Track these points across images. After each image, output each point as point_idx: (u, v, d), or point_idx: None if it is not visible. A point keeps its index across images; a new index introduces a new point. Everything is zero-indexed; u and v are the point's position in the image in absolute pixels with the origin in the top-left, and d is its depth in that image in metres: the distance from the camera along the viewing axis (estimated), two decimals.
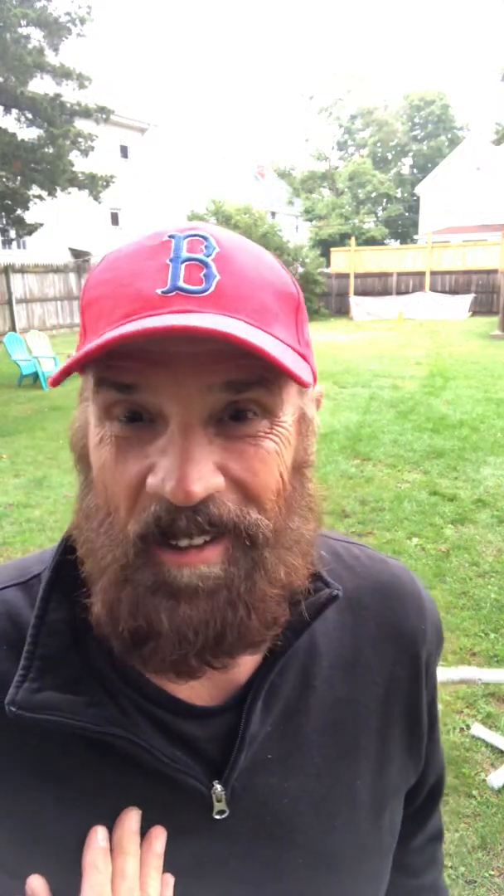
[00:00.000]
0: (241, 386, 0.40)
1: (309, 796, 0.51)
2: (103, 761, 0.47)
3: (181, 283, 0.39)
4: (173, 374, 0.38)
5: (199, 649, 0.41)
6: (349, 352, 13.29)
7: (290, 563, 0.44)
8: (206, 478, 0.38)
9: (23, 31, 12.83)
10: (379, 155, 42.13)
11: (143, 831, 0.47)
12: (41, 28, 13.15)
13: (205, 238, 0.41)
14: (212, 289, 0.39)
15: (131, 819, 0.46)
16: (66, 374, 0.39)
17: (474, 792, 2.21)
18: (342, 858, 0.52)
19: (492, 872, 1.94)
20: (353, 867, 0.53)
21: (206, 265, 0.40)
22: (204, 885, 0.48)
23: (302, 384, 0.41)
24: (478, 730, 2.48)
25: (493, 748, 2.41)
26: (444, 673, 2.11)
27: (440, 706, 2.22)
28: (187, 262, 0.40)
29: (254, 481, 0.41)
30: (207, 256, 0.40)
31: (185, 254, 0.40)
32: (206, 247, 0.41)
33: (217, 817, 0.48)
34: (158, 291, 0.39)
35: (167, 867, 0.47)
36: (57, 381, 0.40)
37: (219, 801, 0.47)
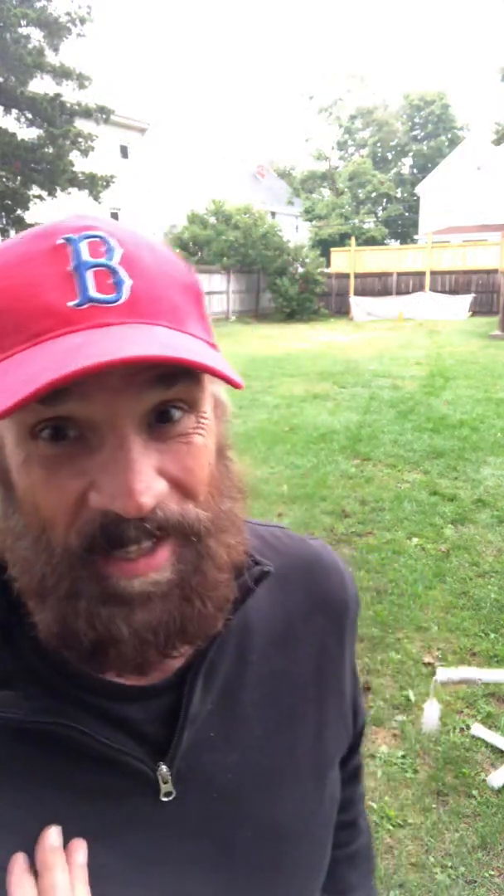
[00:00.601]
0: (171, 379, 0.39)
1: (252, 769, 0.52)
2: (46, 755, 0.46)
3: (93, 294, 0.37)
4: (112, 394, 0.37)
5: (162, 646, 0.42)
6: (349, 352, 13.29)
7: (229, 544, 0.45)
8: (153, 488, 0.38)
9: (23, 31, 12.84)
10: (379, 155, 42.13)
11: (93, 822, 0.47)
12: (41, 28, 13.17)
13: (103, 239, 0.39)
14: (125, 296, 0.38)
15: (51, 836, 0.45)
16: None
17: (474, 792, 2.22)
18: (289, 826, 0.54)
19: (492, 872, 1.94)
20: (300, 834, 0.55)
21: (113, 271, 0.38)
22: (157, 867, 0.48)
23: (236, 386, 0.40)
24: (478, 730, 2.48)
25: (493, 748, 2.41)
26: (444, 673, 2.11)
27: (440, 706, 2.22)
28: (94, 269, 0.38)
29: (190, 478, 0.41)
30: (111, 260, 0.39)
31: (87, 259, 0.38)
32: (107, 249, 0.39)
33: (164, 799, 0.48)
34: (70, 305, 0.37)
35: (119, 853, 0.47)
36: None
37: (165, 782, 0.48)
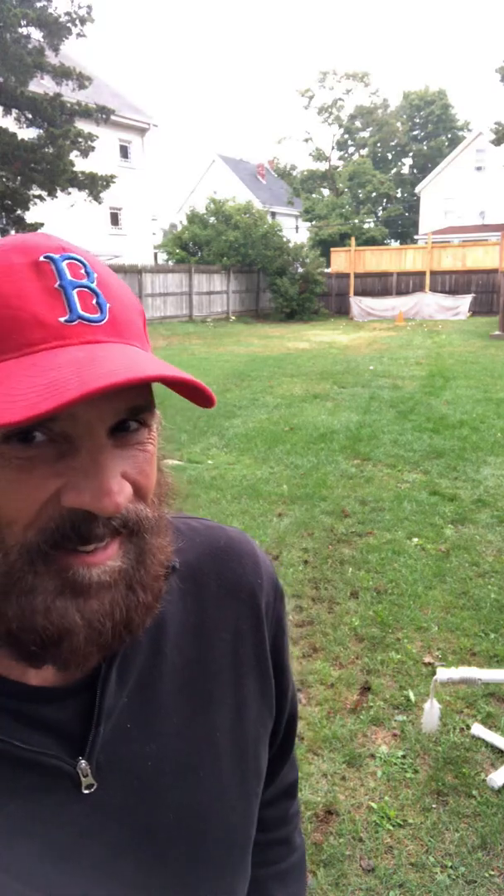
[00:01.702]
0: (138, 410, 0.44)
1: (171, 755, 0.54)
2: None
3: (81, 313, 0.41)
4: (95, 406, 0.41)
5: (111, 636, 0.44)
6: (349, 352, 13.29)
7: (163, 544, 0.49)
8: (124, 490, 0.42)
9: (23, 31, 12.83)
10: (379, 155, 42.11)
11: (17, 817, 0.48)
12: (41, 28, 13.16)
13: (81, 262, 0.43)
14: (107, 318, 0.42)
15: None
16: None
17: (474, 792, 2.22)
18: (209, 808, 0.56)
19: (492, 872, 1.94)
20: (221, 814, 0.57)
21: (95, 292, 0.42)
22: (84, 860, 0.49)
23: (210, 403, 0.45)
24: (478, 730, 2.48)
25: (493, 748, 2.41)
26: (444, 673, 2.11)
27: (440, 706, 2.22)
28: (78, 289, 0.41)
29: (144, 482, 0.45)
30: (92, 283, 0.42)
31: (70, 279, 0.41)
32: (86, 272, 0.43)
33: (86, 792, 0.49)
34: (62, 320, 0.40)
35: (46, 849, 0.48)
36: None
37: (85, 775, 0.49)
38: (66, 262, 0.42)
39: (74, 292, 0.41)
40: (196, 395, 0.45)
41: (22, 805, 0.48)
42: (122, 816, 0.51)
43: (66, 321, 0.40)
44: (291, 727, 0.72)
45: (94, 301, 0.42)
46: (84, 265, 0.43)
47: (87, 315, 0.41)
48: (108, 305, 0.42)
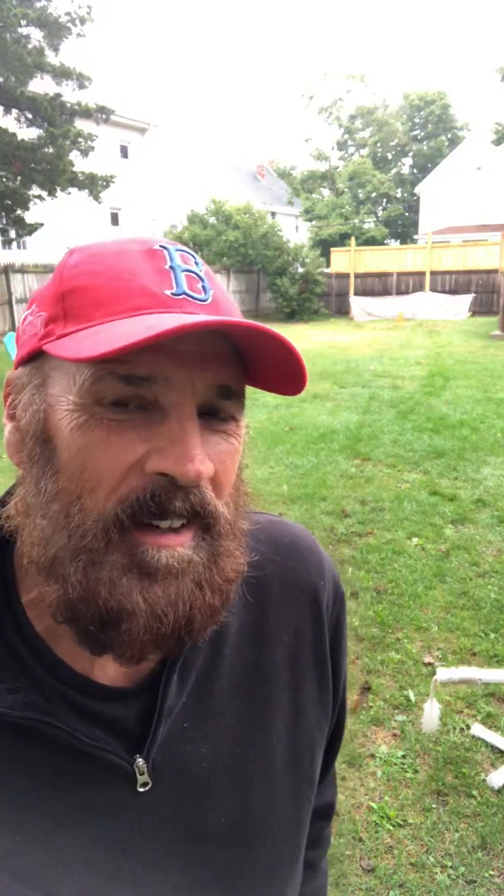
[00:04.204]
0: (227, 392, 0.45)
1: (226, 758, 0.54)
2: (27, 746, 0.47)
3: (187, 290, 0.43)
4: (188, 371, 0.42)
5: (170, 628, 0.43)
6: (349, 352, 13.29)
7: (236, 551, 0.48)
8: (206, 461, 0.43)
9: (23, 31, 12.83)
10: (379, 155, 42.07)
11: (73, 811, 0.48)
12: (41, 28, 13.16)
13: (191, 255, 0.46)
14: (210, 299, 0.45)
15: None
16: (106, 356, 0.38)
17: (474, 792, 2.22)
18: (261, 813, 0.55)
19: (492, 872, 1.94)
20: (273, 820, 0.56)
21: (200, 278, 0.45)
22: (135, 857, 0.50)
23: (302, 386, 0.47)
24: (478, 730, 2.48)
25: (493, 748, 2.41)
26: (444, 673, 2.11)
27: (440, 706, 2.22)
28: (186, 273, 0.44)
29: (224, 474, 0.46)
30: (199, 271, 0.46)
31: (181, 264, 0.45)
32: (195, 262, 0.46)
33: (141, 790, 0.50)
34: (168, 293, 0.43)
35: (99, 845, 0.48)
36: (105, 355, 0.38)
37: (141, 773, 0.50)
38: (178, 252, 0.46)
39: (183, 274, 0.44)
40: (288, 372, 0.46)
41: (77, 796, 0.48)
42: (173, 817, 0.51)
43: (172, 294, 0.43)
44: (337, 736, 0.70)
45: (199, 285, 0.45)
46: (194, 258, 0.47)
47: (192, 293, 0.44)
48: (212, 291, 0.45)
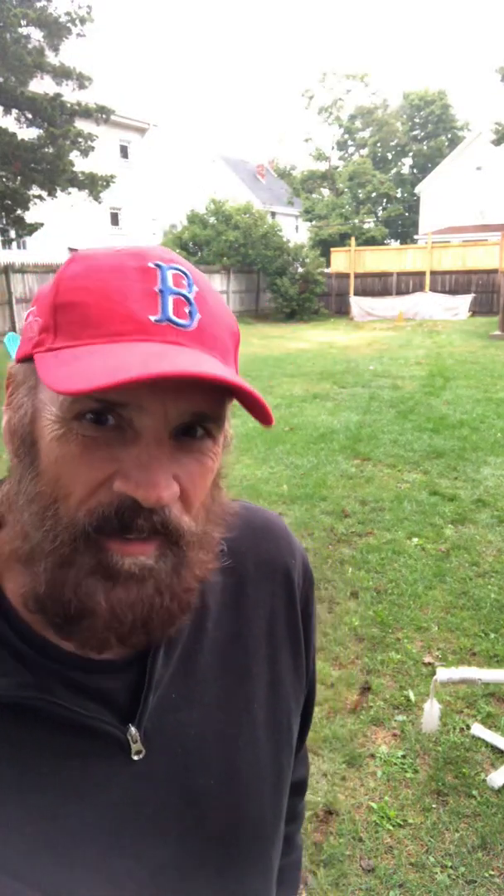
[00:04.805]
0: (203, 417, 0.46)
1: (212, 724, 0.58)
2: (25, 724, 0.50)
3: (171, 316, 0.45)
4: (161, 400, 0.44)
5: (128, 628, 0.46)
6: (349, 352, 13.29)
7: (202, 560, 0.51)
8: (171, 487, 0.45)
9: (23, 31, 12.82)
10: (379, 155, 42.04)
11: (72, 785, 0.51)
12: (41, 28, 13.16)
13: (185, 274, 0.47)
14: (194, 325, 0.45)
15: None
16: (91, 391, 0.40)
17: (474, 792, 2.22)
18: (247, 772, 0.59)
19: (492, 872, 1.94)
20: (257, 778, 0.60)
21: (189, 302, 0.46)
22: (134, 822, 0.53)
23: (268, 421, 0.47)
24: (478, 730, 2.48)
25: (493, 748, 2.41)
26: (444, 673, 2.11)
27: (440, 706, 2.22)
28: (174, 296, 0.45)
29: (193, 492, 0.47)
30: (190, 293, 0.46)
31: (171, 287, 0.45)
32: (187, 283, 0.46)
33: (135, 758, 0.53)
34: (152, 319, 0.44)
35: (99, 809, 0.51)
36: (76, 393, 0.41)
37: (134, 742, 0.53)
38: (172, 272, 0.46)
39: (171, 298, 0.45)
40: (256, 411, 0.47)
41: (76, 768, 0.51)
42: (167, 781, 0.54)
43: (155, 320, 0.44)
44: (308, 712, 0.74)
45: (186, 309, 0.45)
46: (187, 277, 0.47)
47: (175, 319, 0.45)
48: (198, 316, 0.46)
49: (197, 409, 0.45)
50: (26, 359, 0.48)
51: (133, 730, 0.52)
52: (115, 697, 0.53)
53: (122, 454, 0.44)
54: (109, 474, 0.44)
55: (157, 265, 0.46)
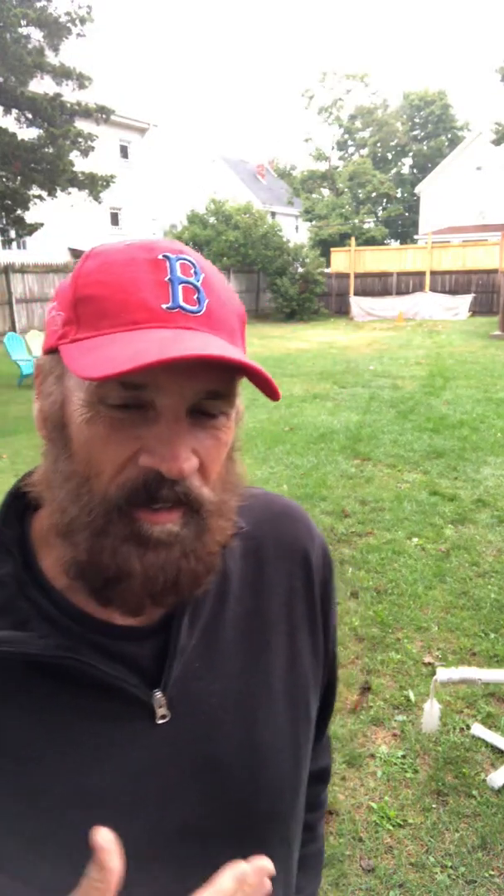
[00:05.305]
0: (216, 395, 0.50)
1: (233, 695, 0.61)
2: (59, 685, 0.54)
3: (182, 303, 0.48)
4: (177, 380, 0.47)
5: (160, 588, 0.50)
6: (349, 352, 13.29)
7: (222, 527, 0.55)
8: (191, 460, 0.49)
9: (23, 31, 12.81)
10: (379, 155, 42.02)
11: (101, 741, 0.54)
12: (41, 28, 13.14)
13: (192, 263, 0.50)
14: (203, 310, 0.49)
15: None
16: (114, 376, 0.44)
17: (474, 792, 2.22)
18: (266, 742, 0.62)
19: (492, 872, 1.94)
20: (275, 752, 0.63)
21: (197, 289, 0.49)
22: (155, 780, 0.55)
23: (275, 396, 0.51)
24: (478, 730, 2.48)
25: (493, 748, 2.41)
26: (444, 673, 2.11)
27: (440, 706, 2.22)
28: (183, 285, 0.49)
29: (210, 464, 0.52)
30: (197, 281, 0.50)
31: (180, 276, 0.49)
32: (194, 272, 0.50)
33: (160, 722, 0.56)
34: (164, 307, 0.48)
35: (124, 768, 0.54)
36: (101, 378, 0.44)
37: (160, 706, 0.56)
38: (180, 262, 0.50)
39: (180, 286, 0.49)
40: (263, 386, 0.50)
41: (103, 729, 0.54)
42: (190, 746, 0.57)
43: (167, 308, 0.48)
44: (330, 699, 0.77)
45: (195, 296, 0.49)
46: (194, 266, 0.50)
47: (186, 305, 0.48)
48: (206, 301, 0.50)
49: (210, 387, 0.49)
50: (52, 350, 0.52)
51: (159, 694, 0.55)
52: (141, 663, 0.56)
53: (145, 432, 0.48)
54: (135, 451, 0.48)
55: (166, 256, 0.49)
